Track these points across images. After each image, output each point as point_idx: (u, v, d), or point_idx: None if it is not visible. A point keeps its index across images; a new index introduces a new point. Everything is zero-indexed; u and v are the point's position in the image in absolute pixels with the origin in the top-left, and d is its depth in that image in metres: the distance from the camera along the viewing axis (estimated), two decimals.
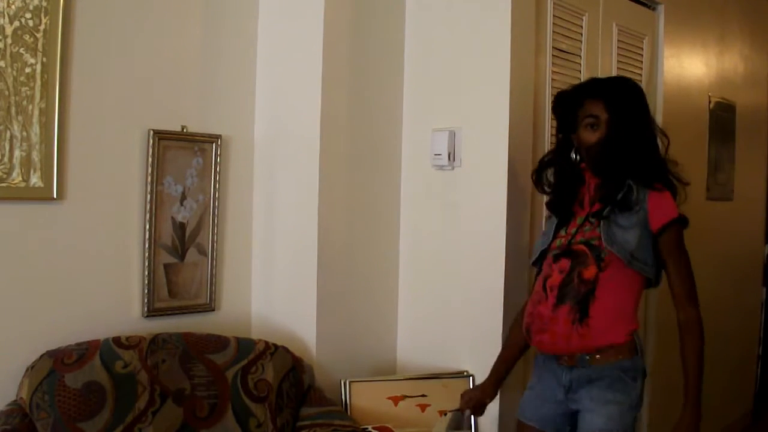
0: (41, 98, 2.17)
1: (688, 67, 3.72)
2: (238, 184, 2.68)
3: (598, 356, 2.06)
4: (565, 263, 2.10)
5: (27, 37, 2.14)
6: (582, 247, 2.08)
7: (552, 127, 2.72)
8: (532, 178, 2.29)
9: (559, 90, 2.31)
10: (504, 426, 2.57)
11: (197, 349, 2.30)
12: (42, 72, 2.17)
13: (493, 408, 2.56)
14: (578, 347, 2.06)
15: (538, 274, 2.23)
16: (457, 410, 2.33)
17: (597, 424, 2.04)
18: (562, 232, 2.16)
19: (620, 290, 2.07)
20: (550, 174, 2.26)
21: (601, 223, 2.06)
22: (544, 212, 2.70)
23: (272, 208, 2.69)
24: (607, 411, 2.05)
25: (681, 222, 2.06)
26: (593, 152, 2.08)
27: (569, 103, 2.16)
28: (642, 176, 2.06)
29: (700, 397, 2.13)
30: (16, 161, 2.14)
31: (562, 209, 2.19)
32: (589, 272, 2.06)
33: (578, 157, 2.15)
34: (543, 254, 2.20)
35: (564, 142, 2.20)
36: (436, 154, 2.69)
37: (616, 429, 2.04)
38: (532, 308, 2.17)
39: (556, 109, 2.24)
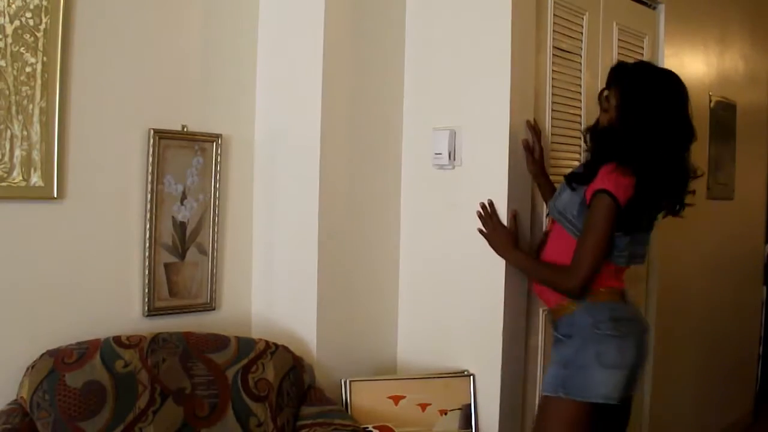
0: (41, 97, 2.17)
1: (689, 66, 3.72)
2: (238, 183, 2.68)
3: (552, 318, 2.35)
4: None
5: (27, 36, 2.14)
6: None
7: (552, 126, 2.73)
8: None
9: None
10: (504, 426, 2.57)
11: (198, 348, 2.30)
12: (42, 71, 2.17)
13: (493, 408, 2.56)
14: (536, 291, 2.44)
15: None
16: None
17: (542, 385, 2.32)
18: None
19: (559, 246, 2.26)
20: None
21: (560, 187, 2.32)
22: (545, 211, 2.70)
23: (273, 208, 2.69)
24: (547, 372, 2.30)
25: (608, 194, 2.09)
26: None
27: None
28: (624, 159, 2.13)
29: (518, 259, 2.41)
30: (16, 160, 2.14)
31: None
32: (549, 224, 2.41)
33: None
34: None
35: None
36: (436, 154, 2.69)
37: (548, 388, 2.22)
38: None
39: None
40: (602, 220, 2.10)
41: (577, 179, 2.22)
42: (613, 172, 2.10)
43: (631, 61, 3.13)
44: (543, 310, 2.72)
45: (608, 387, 2.12)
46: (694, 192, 2.27)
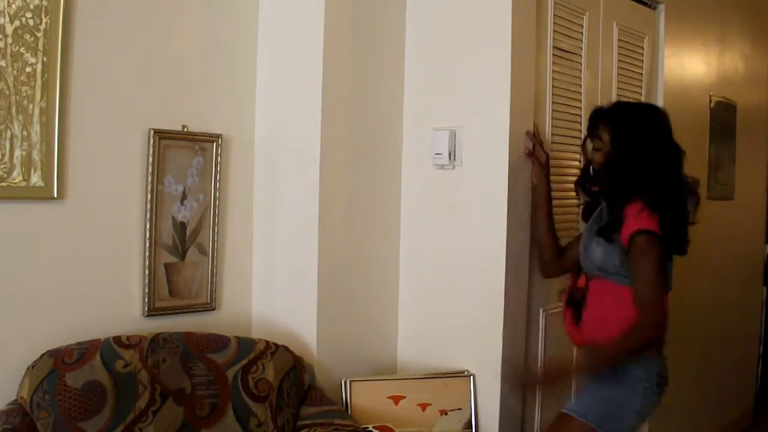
0: (42, 97, 2.17)
1: (689, 66, 3.72)
2: (238, 183, 2.68)
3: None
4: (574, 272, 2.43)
5: (27, 36, 2.14)
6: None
7: (552, 126, 2.73)
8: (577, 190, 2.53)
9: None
10: (504, 426, 2.57)
11: (198, 348, 2.30)
12: (42, 71, 2.17)
13: (493, 408, 2.56)
14: (580, 342, 2.37)
15: None
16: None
17: (567, 405, 2.30)
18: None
19: (607, 299, 2.24)
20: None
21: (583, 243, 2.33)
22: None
23: (273, 208, 2.69)
24: (578, 396, 2.32)
25: (646, 232, 2.13)
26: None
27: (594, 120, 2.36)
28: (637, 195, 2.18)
29: (586, 370, 2.32)
30: (16, 160, 2.14)
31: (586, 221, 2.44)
32: (580, 281, 2.34)
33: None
34: None
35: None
36: (436, 154, 2.69)
37: (573, 409, 2.24)
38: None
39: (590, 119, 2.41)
40: (653, 258, 2.12)
41: (609, 229, 2.21)
42: (642, 212, 2.14)
43: (630, 61, 3.16)
44: (543, 311, 2.72)
45: (633, 429, 2.26)
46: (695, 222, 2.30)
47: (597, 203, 2.38)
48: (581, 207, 2.55)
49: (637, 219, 2.14)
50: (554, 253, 2.53)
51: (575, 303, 2.32)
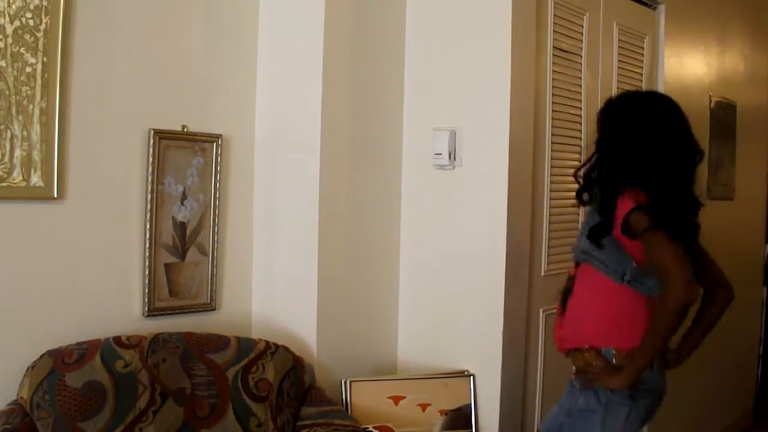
0: (42, 98, 2.17)
1: (689, 66, 3.72)
2: (238, 183, 2.68)
3: (573, 367, 2.12)
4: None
5: (27, 36, 2.14)
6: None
7: (552, 126, 2.73)
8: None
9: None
10: (504, 426, 2.57)
11: (198, 348, 2.30)
12: (42, 71, 2.17)
13: (493, 408, 2.56)
14: (558, 337, 2.19)
15: None
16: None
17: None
18: None
19: (589, 289, 2.11)
20: None
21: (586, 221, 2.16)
22: (545, 212, 2.70)
23: (273, 208, 2.69)
24: (553, 408, 2.19)
25: (633, 210, 1.96)
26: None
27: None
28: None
29: (641, 356, 2.01)
30: (16, 161, 2.14)
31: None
32: (571, 269, 2.20)
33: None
34: None
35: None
36: (436, 154, 2.69)
37: (544, 424, 2.19)
38: None
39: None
40: (649, 230, 1.93)
41: (599, 232, 2.05)
42: (628, 196, 1.97)
43: (630, 61, 3.16)
44: (543, 311, 2.72)
45: None
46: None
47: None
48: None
49: (626, 202, 1.97)
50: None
51: (565, 291, 2.19)
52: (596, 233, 2.05)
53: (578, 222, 2.86)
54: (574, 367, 2.10)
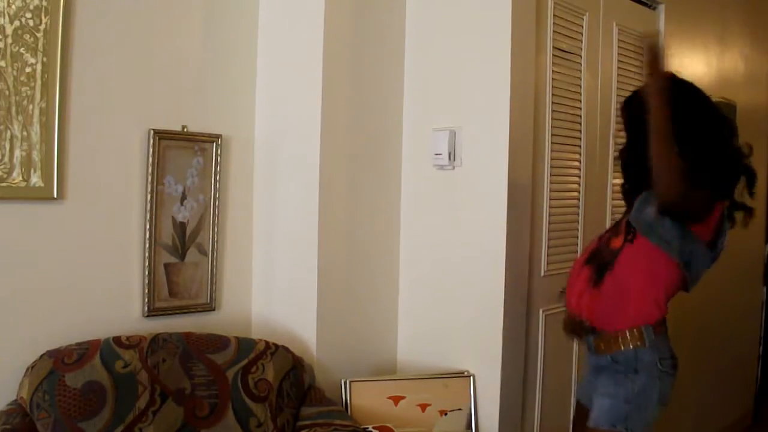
0: (41, 98, 2.17)
1: (689, 66, 3.72)
2: (238, 183, 2.68)
3: (602, 345, 2.10)
4: (606, 234, 2.21)
5: (27, 36, 2.14)
6: (623, 222, 2.16)
7: (552, 126, 2.72)
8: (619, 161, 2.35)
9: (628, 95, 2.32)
10: (504, 426, 2.57)
11: (198, 348, 2.30)
12: (42, 72, 2.17)
13: (493, 408, 2.56)
14: (587, 307, 2.12)
15: None
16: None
17: (591, 417, 2.10)
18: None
19: (637, 271, 2.07)
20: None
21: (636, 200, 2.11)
22: (545, 212, 2.70)
23: (272, 208, 2.69)
24: (599, 403, 2.10)
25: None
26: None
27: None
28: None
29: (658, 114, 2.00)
30: (16, 161, 2.14)
31: (628, 197, 2.26)
32: (617, 242, 2.12)
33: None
34: None
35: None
36: (436, 154, 2.69)
37: (603, 422, 2.06)
38: (573, 268, 2.27)
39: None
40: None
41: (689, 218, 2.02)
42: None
43: (630, 61, 3.16)
44: (543, 311, 2.72)
45: (655, 421, 2.12)
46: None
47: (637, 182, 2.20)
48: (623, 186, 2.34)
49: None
50: None
51: (603, 264, 2.11)
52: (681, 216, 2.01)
53: (578, 222, 2.86)
54: (602, 353, 2.10)
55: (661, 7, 3.39)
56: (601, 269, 2.11)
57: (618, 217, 2.41)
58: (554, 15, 2.70)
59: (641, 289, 2.08)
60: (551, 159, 2.71)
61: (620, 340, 2.08)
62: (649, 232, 2.05)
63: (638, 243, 2.07)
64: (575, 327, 2.20)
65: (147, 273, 2.43)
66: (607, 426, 2.07)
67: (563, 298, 2.36)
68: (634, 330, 2.06)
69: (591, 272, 2.13)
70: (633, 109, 2.18)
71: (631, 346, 2.07)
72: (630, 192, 2.25)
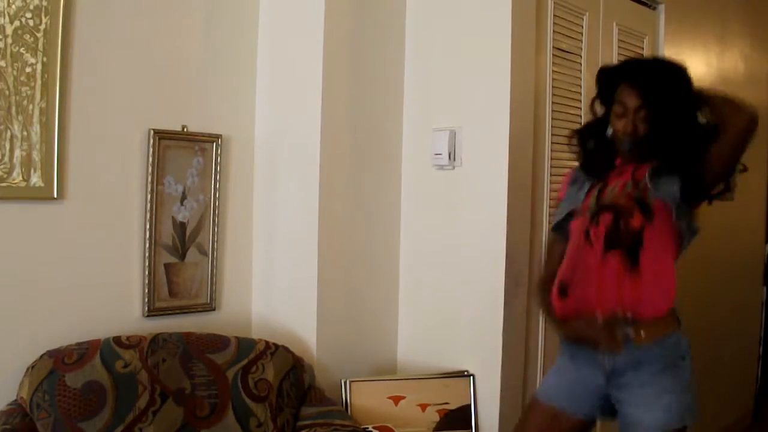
0: (41, 98, 2.17)
1: (689, 66, 3.71)
2: (238, 183, 2.68)
3: (643, 334, 1.92)
4: (608, 216, 1.98)
5: (27, 36, 2.14)
6: (625, 201, 1.97)
7: (552, 126, 2.73)
8: (571, 139, 2.20)
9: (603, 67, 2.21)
10: (504, 426, 2.57)
11: (198, 348, 2.30)
12: (42, 72, 2.17)
13: (493, 408, 2.56)
14: (629, 296, 1.92)
15: (559, 240, 2.13)
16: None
17: (656, 419, 1.90)
18: (595, 193, 2.05)
19: (662, 249, 1.96)
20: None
21: (648, 174, 1.96)
22: (545, 212, 2.70)
23: (273, 208, 2.69)
24: (662, 403, 1.90)
25: None
26: (625, 145, 2.00)
27: (609, 81, 2.07)
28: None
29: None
30: (16, 161, 2.14)
31: (598, 172, 2.09)
32: (636, 222, 1.94)
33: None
34: (569, 217, 2.09)
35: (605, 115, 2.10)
36: (436, 154, 2.69)
37: (674, 422, 1.91)
38: (571, 262, 2.03)
39: (598, 81, 2.15)
40: None
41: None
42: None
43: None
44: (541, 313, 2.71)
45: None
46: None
47: (600, 154, 2.09)
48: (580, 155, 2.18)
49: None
50: None
51: (631, 246, 1.93)
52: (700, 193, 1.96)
53: None
54: (642, 333, 1.91)
55: (661, 7, 3.39)
56: (633, 252, 1.93)
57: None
58: (554, 15, 2.70)
59: (668, 269, 1.96)
60: (551, 159, 2.71)
61: (664, 324, 1.93)
62: (679, 213, 1.93)
63: (659, 221, 1.94)
64: (610, 324, 1.94)
65: (147, 273, 2.43)
66: (679, 421, 1.91)
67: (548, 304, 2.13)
68: (669, 313, 1.94)
69: (622, 258, 1.93)
70: (608, 80, 2.08)
71: (672, 330, 1.94)
72: (591, 171, 2.10)
